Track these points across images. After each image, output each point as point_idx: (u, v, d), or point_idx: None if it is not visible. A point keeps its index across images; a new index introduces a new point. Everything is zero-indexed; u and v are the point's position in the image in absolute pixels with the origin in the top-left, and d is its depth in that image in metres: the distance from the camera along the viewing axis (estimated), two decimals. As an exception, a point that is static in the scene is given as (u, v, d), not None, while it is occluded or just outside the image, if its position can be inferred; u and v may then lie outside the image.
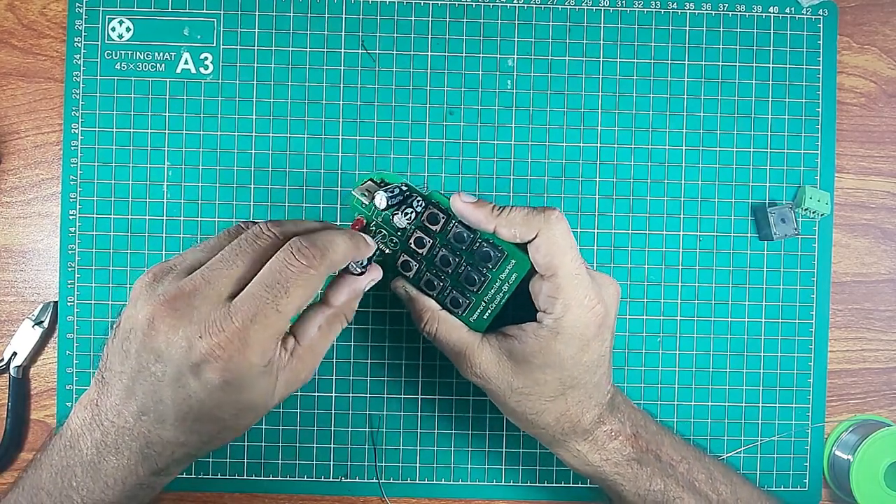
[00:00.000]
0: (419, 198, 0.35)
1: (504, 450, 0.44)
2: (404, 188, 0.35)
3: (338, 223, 0.43)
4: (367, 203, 0.35)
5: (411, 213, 0.35)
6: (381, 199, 0.34)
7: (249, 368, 0.29)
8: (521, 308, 0.35)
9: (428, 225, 0.35)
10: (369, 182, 0.36)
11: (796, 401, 0.44)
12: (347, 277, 0.34)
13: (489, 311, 0.35)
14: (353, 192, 0.36)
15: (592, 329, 0.33)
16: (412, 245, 0.35)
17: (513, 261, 0.34)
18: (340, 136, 0.43)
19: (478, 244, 0.34)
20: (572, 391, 0.34)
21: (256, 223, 0.32)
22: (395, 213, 0.35)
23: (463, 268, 0.35)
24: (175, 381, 0.29)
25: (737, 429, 0.44)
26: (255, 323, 0.28)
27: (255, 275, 0.30)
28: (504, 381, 0.34)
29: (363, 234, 0.34)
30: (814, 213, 0.43)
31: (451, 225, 0.35)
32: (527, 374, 0.33)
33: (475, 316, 0.36)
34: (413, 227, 0.35)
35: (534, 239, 0.32)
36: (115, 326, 0.32)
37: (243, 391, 0.30)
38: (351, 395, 0.43)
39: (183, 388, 0.29)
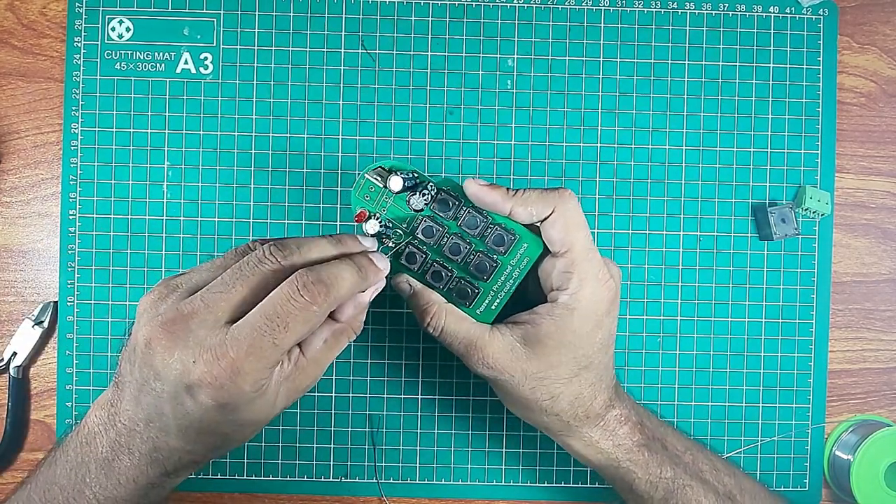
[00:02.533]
0: (430, 184, 0.35)
1: (504, 450, 0.44)
2: (415, 175, 0.35)
3: (338, 224, 0.43)
4: (380, 186, 0.35)
5: (427, 194, 0.35)
6: (396, 182, 0.34)
7: (241, 395, 0.29)
8: (519, 303, 0.35)
9: (438, 213, 0.35)
10: (379, 168, 0.35)
11: (796, 401, 0.44)
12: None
13: (497, 300, 0.35)
14: (365, 175, 0.35)
15: (606, 304, 0.33)
16: (420, 235, 0.35)
17: (525, 244, 0.34)
18: (340, 136, 0.43)
19: (490, 228, 0.34)
20: (586, 372, 0.34)
21: (263, 244, 0.32)
22: (411, 196, 0.34)
23: (473, 256, 0.35)
24: (173, 398, 0.30)
25: (737, 429, 0.44)
26: (250, 355, 0.29)
27: (255, 300, 0.30)
28: (518, 369, 0.34)
29: (376, 256, 0.33)
30: (814, 213, 0.43)
31: (463, 211, 0.34)
32: (542, 357, 0.33)
33: (482, 307, 0.35)
34: (424, 215, 0.35)
35: (549, 216, 0.33)
36: (126, 334, 0.32)
37: (238, 412, 0.30)
38: (351, 395, 0.43)
39: (181, 405, 0.30)
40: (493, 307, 0.35)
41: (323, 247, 0.32)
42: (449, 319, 0.35)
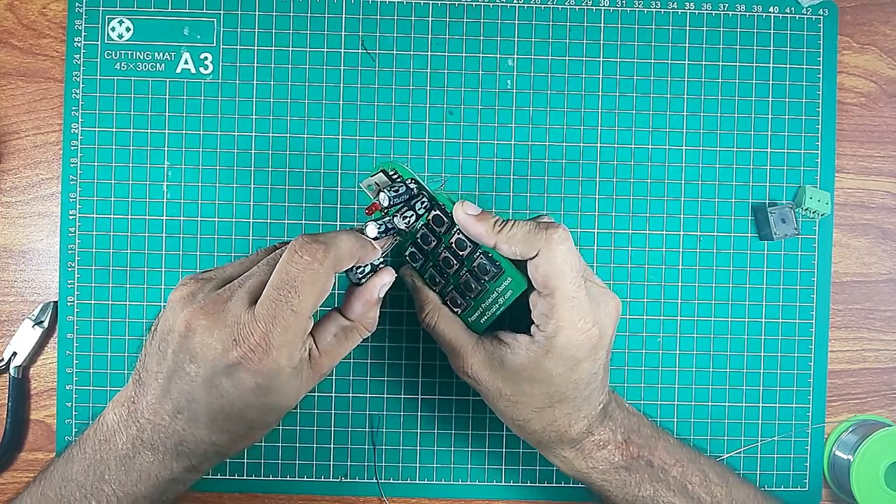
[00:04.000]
0: (425, 198, 0.35)
1: (504, 450, 0.44)
2: (412, 185, 0.35)
3: (338, 224, 0.43)
4: (372, 198, 0.35)
5: (411, 216, 0.35)
6: (384, 198, 0.34)
7: (279, 371, 0.30)
8: (522, 309, 0.35)
9: (433, 226, 0.35)
10: (380, 173, 0.35)
11: (796, 401, 0.44)
12: (355, 289, 0.35)
13: (486, 317, 0.35)
14: (361, 185, 0.36)
15: (584, 351, 0.32)
16: (419, 239, 0.36)
17: (509, 278, 0.34)
18: (340, 136, 0.43)
19: (477, 255, 0.34)
20: (560, 405, 0.34)
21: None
22: (396, 215, 0.35)
23: (462, 273, 0.35)
24: (208, 381, 0.30)
25: (737, 429, 0.44)
26: (276, 325, 0.29)
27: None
28: (494, 386, 0.34)
29: (370, 240, 0.34)
30: (814, 213, 0.43)
31: (454, 230, 0.35)
32: (515, 384, 0.34)
33: (473, 318, 0.36)
34: (412, 230, 0.35)
35: (534, 257, 0.32)
36: (152, 330, 0.33)
37: (271, 393, 0.31)
38: (351, 394, 0.43)
39: (216, 387, 0.30)
40: (482, 321, 0.36)
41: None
42: (441, 321, 0.36)
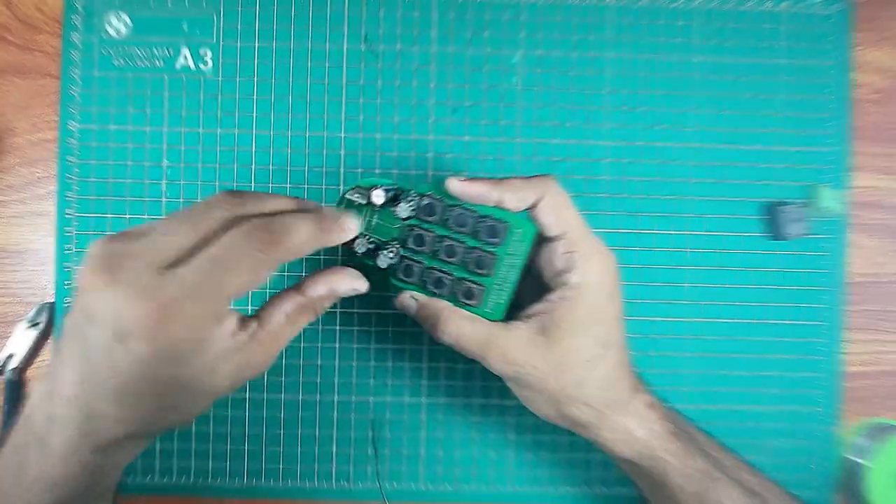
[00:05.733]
0: (412, 192, 0.34)
1: (509, 453, 0.43)
2: (396, 187, 0.34)
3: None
4: (362, 203, 0.34)
5: (413, 201, 0.34)
6: (378, 195, 0.33)
7: (174, 344, 0.27)
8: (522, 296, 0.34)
9: (425, 218, 0.34)
10: (357, 188, 0.34)
11: (809, 404, 0.43)
12: (330, 272, 0.33)
13: (504, 293, 0.34)
14: (345, 197, 0.34)
15: (613, 275, 0.33)
16: (412, 246, 0.34)
17: (518, 229, 0.33)
18: (343, 135, 0.42)
19: (480, 222, 0.33)
20: (607, 351, 0.33)
21: (217, 194, 0.30)
22: (397, 206, 0.34)
23: (470, 253, 0.34)
24: (106, 347, 0.27)
25: (748, 432, 0.43)
26: (189, 297, 0.27)
27: (200, 249, 0.28)
28: (540, 359, 0.33)
29: (346, 214, 0.32)
30: (828, 212, 0.42)
31: (450, 211, 0.34)
32: (561, 342, 0.32)
33: (491, 304, 0.34)
34: (412, 223, 0.34)
35: (538, 202, 0.32)
36: None
37: (172, 366, 0.28)
38: (354, 398, 0.42)
39: (111, 356, 0.27)
40: (500, 301, 0.34)
41: (282, 202, 0.31)
42: (461, 323, 0.34)
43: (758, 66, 0.43)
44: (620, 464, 0.36)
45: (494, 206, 0.33)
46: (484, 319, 0.34)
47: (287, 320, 0.31)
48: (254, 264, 0.28)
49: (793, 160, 0.43)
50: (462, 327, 0.34)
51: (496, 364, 0.33)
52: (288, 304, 0.32)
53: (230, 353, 0.29)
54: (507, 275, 0.34)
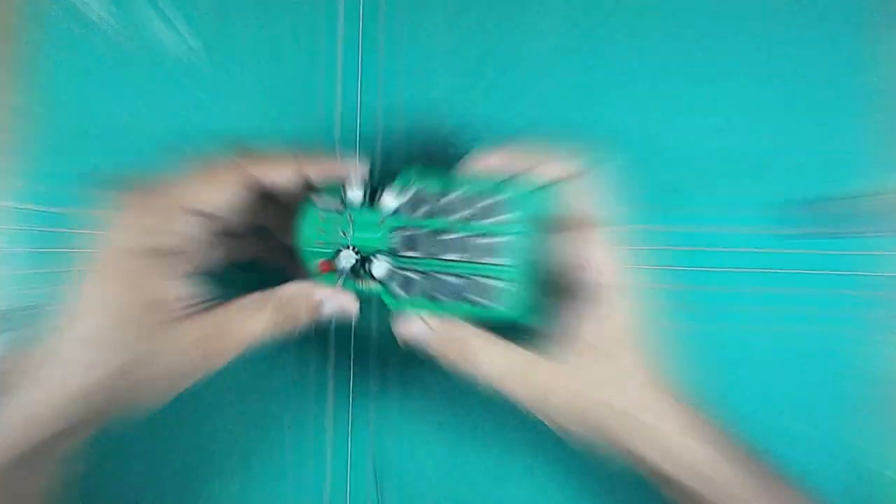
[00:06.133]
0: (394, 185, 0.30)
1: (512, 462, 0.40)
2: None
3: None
4: (333, 210, 0.30)
5: (398, 192, 0.30)
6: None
7: None
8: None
9: (412, 214, 0.30)
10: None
11: (836, 413, 0.40)
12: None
13: (524, 281, 0.29)
14: (313, 200, 0.31)
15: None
16: (404, 253, 0.30)
17: (525, 209, 0.29)
18: (337, 123, 0.41)
19: (477, 201, 0.29)
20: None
21: None
22: (381, 198, 0.30)
23: (473, 241, 0.29)
24: None
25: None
26: None
27: None
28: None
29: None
30: (853, 209, 0.40)
31: (437, 198, 0.29)
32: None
33: (513, 299, 0.29)
34: (397, 226, 0.30)
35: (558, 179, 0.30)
36: None
37: None
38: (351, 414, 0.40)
39: None
40: (524, 291, 0.29)
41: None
42: (491, 351, 0.29)
43: (779, 56, 0.41)
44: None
45: (502, 183, 0.29)
46: (517, 349, 0.30)
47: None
48: None
49: (819, 155, 0.41)
50: (478, 356, 0.29)
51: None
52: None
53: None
54: (521, 263, 0.29)
